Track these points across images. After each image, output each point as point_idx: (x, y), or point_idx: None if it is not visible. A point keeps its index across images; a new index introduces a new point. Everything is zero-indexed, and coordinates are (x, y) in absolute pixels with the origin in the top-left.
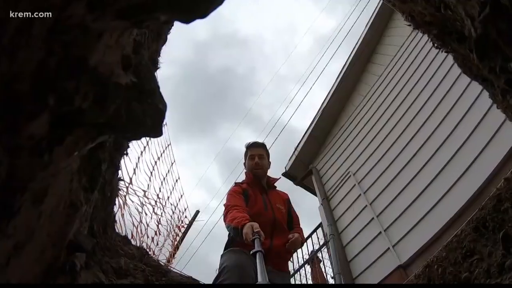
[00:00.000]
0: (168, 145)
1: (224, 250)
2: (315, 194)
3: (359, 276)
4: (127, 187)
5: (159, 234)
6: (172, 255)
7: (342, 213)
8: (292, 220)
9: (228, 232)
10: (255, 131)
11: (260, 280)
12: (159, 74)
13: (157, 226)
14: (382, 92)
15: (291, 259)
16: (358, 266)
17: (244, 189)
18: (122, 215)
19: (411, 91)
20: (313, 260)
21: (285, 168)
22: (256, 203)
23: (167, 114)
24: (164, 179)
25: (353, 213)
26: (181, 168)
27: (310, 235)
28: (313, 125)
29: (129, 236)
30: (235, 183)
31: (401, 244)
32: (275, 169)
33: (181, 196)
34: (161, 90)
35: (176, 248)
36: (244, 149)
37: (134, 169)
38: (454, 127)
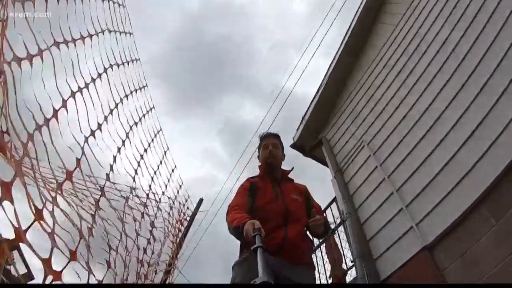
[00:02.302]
0: (159, 131)
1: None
2: (326, 165)
3: (380, 257)
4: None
5: (154, 240)
6: (175, 255)
7: (358, 187)
8: (311, 212)
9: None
10: (258, 101)
11: (260, 276)
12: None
13: (151, 233)
14: (396, 49)
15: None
16: (379, 245)
17: (252, 183)
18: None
19: (431, 44)
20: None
21: (293, 139)
22: (265, 194)
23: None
24: (155, 172)
25: (369, 187)
26: (184, 143)
27: (324, 210)
28: (319, 92)
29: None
30: (247, 178)
31: (426, 222)
32: (283, 142)
33: (180, 186)
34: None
35: (178, 246)
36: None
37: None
38: (485, 82)
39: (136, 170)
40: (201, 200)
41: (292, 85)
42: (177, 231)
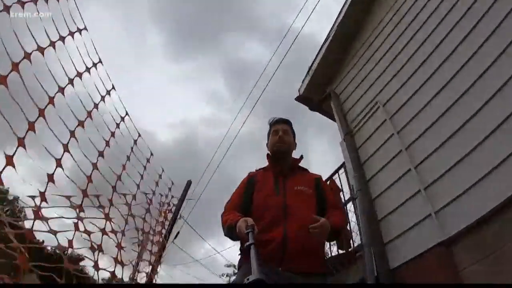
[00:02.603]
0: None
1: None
2: (335, 120)
3: (391, 242)
4: None
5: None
6: (158, 259)
7: (370, 156)
8: (325, 205)
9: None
10: (262, 42)
11: (253, 273)
12: None
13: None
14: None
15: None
16: (391, 229)
17: (251, 177)
18: None
19: None
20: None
21: (299, 91)
22: (263, 188)
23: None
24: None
25: (384, 157)
26: (188, 85)
27: (330, 176)
28: (329, 39)
29: None
30: (249, 172)
31: (447, 211)
32: (287, 95)
33: (163, 171)
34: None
35: (163, 248)
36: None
37: None
38: None
39: None
40: (189, 182)
41: (300, 25)
42: (160, 228)
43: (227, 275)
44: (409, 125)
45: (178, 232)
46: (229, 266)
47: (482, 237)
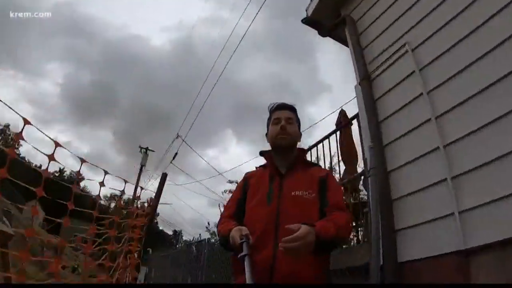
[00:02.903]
0: None
1: None
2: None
3: (403, 231)
4: None
5: None
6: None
7: (390, 114)
8: (324, 202)
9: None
10: None
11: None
12: None
13: None
14: None
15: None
16: (406, 214)
17: (247, 179)
18: None
19: None
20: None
21: (306, 11)
22: (256, 194)
23: None
24: None
25: (408, 120)
26: None
27: (340, 128)
28: None
29: None
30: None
31: (474, 216)
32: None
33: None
34: None
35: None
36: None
37: None
38: None
39: None
40: (164, 176)
41: None
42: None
43: (229, 191)
44: (446, 85)
45: (176, 153)
46: (231, 182)
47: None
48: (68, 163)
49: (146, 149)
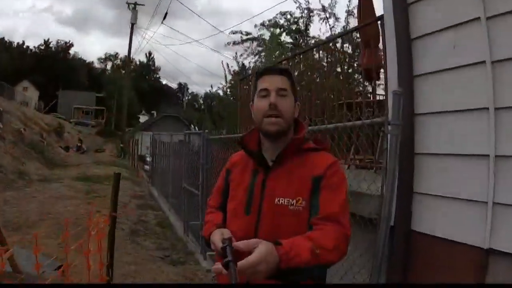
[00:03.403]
0: None
1: None
2: None
3: (421, 195)
4: None
5: None
6: None
7: (428, 33)
8: (313, 208)
9: None
10: None
11: None
12: None
13: None
14: None
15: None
16: (428, 178)
17: (227, 171)
18: None
19: None
20: None
21: None
22: (236, 194)
23: None
24: None
25: (452, 49)
26: None
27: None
28: None
29: None
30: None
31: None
32: None
33: None
34: None
35: None
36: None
37: None
38: None
39: None
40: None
41: None
42: None
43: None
44: None
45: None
46: (234, 33)
47: None
48: (52, 31)
49: (135, 4)
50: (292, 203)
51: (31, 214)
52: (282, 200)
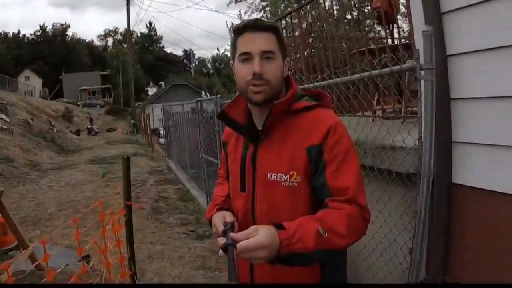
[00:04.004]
0: None
1: None
2: None
3: (461, 144)
4: None
5: None
6: None
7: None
8: (319, 189)
9: None
10: None
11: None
12: None
13: None
14: None
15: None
16: (467, 124)
17: (225, 144)
18: None
19: None
20: None
21: None
22: (232, 169)
23: None
24: None
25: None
26: None
27: None
28: None
29: None
30: None
31: None
32: None
33: None
34: None
35: None
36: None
37: None
38: None
39: None
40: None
41: None
42: None
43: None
44: None
45: None
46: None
47: None
48: (47, 16)
49: None
50: (285, 178)
51: (49, 206)
52: (274, 175)
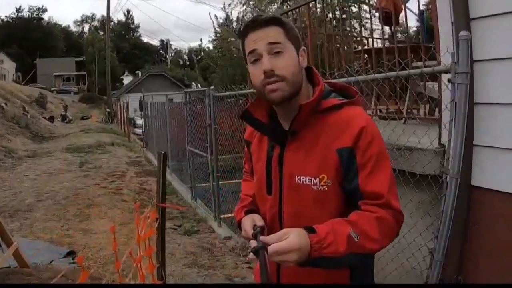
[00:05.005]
0: None
1: None
2: None
3: (482, 148)
4: None
5: None
6: None
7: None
8: (351, 193)
9: None
10: None
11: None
12: None
13: None
14: None
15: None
16: (488, 128)
17: (248, 145)
18: None
19: None
20: None
21: None
22: (257, 169)
23: None
24: None
25: None
26: None
27: None
28: None
29: None
30: None
31: None
32: None
33: None
34: None
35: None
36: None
37: None
38: None
39: None
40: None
41: None
42: None
43: None
44: None
45: None
46: None
47: None
48: None
49: None
50: (315, 182)
51: (27, 196)
52: (303, 178)
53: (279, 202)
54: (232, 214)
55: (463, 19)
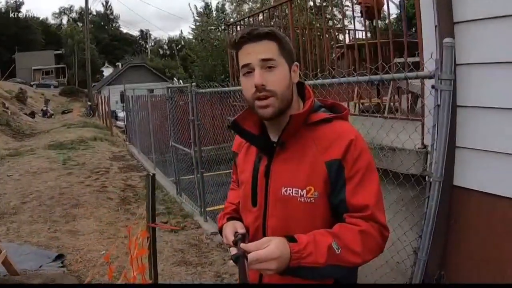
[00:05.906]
0: None
1: None
2: None
3: (463, 149)
4: None
5: None
6: None
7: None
8: (338, 206)
9: None
10: None
11: None
12: None
13: None
14: None
15: None
16: (470, 132)
17: (234, 155)
18: None
19: None
20: None
21: None
22: (242, 181)
23: None
24: None
25: None
26: None
27: None
28: None
29: None
30: None
31: None
32: None
33: None
34: None
35: None
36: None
37: None
38: None
39: None
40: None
41: None
42: None
43: None
44: None
45: None
46: None
47: None
48: None
49: None
50: (301, 194)
51: (11, 198)
52: (289, 190)
53: (264, 215)
54: (216, 207)
55: (447, 23)
